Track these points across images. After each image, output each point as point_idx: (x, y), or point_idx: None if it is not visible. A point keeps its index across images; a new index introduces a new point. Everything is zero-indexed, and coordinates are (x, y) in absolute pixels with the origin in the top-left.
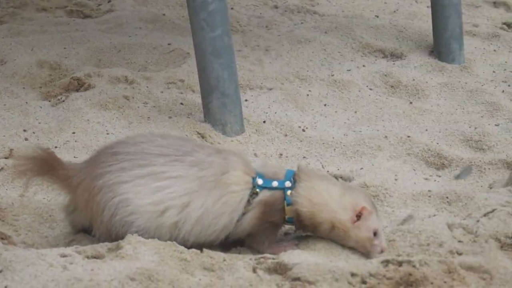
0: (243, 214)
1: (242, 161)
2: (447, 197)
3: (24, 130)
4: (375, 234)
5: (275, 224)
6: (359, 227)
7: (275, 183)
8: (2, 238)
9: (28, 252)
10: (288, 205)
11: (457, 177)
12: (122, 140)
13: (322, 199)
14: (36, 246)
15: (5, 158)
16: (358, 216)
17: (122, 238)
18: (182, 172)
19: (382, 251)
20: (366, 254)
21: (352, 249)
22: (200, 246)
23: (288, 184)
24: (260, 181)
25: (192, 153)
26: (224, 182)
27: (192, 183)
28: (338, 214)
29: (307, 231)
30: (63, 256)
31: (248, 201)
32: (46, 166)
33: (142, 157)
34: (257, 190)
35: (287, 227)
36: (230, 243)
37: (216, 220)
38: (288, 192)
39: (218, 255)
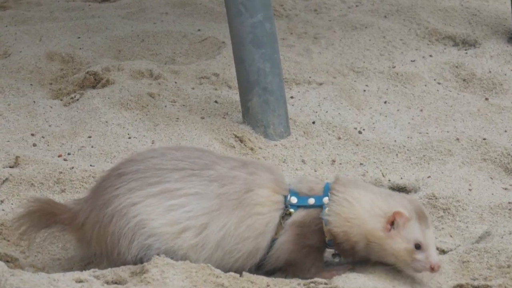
0: (275, 239)
1: (272, 176)
2: None
3: (32, 135)
4: (417, 247)
5: (316, 248)
6: (393, 237)
7: (311, 200)
8: (8, 261)
9: (38, 277)
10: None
11: None
12: (129, 158)
13: (352, 211)
14: (47, 270)
15: (10, 167)
16: (391, 223)
17: None
18: (200, 188)
19: (432, 269)
20: (411, 272)
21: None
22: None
23: (326, 200)
24: (294, 200)
25: (212, 166)
26: (248, 203)
27: (211, 201)
28: (367, 224)
29: (349, 256)
30: (79, 281)
31: (280, 223)
32: (47, 216)
33: (153, 174)
34: (291, 210)
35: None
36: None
37: (240, 246)
38: (326, 209)
39: (261, 280)
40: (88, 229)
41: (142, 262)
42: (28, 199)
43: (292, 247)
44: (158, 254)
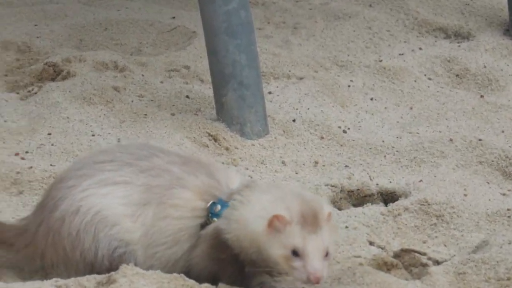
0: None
1: (205, 180)
2: None
3: None
4: (295, 253)
5: (230, 262)
6: (271, 242)
7: (217, 208)
8: None
9: None
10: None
11: None
12: (70, 165)
13: (241, 213)
14: (5, 279)
15: None
16: (270, 226)
17: (115, 264)
18: (129, 177)
19: (309, 280)
20: (299, 285)
21: None
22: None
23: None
24: (218, 208)
25: (149, 158)
26: (165, 201)
27: (137, 192)
28: (250, 225)
29: (259, 274)
30: None
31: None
32: None
33: (89, 168)
34: (214, 219)
35: None
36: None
37: (156, 251)
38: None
39: None
40: (40, 241)
41: (111, 259)
42: None
43: (206, 263)
44: (125, 247)
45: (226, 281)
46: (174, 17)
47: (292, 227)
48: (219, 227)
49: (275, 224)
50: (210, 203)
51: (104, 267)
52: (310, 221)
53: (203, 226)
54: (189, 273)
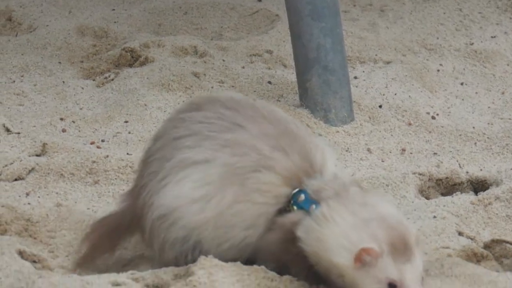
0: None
1: (298, 162)
2: None
3: (61, 119)
4: (392, 286)
5: (303, 258)
6: (363, 276)
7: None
8: (35, 261)
9: (69, 280)
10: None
11: None
12: (154, 135)
13: (323, 233)
14: (79, 271)
15: (37, 155)
16: (359, 260)
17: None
18: (209, 154)
19: None
20: None
21: None
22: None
23: (312, 208)
24: (301, 198)
25: (234, 129)
26: (248, 184)
27: (216, 170)
28: (334, 257)
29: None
30: (115, 284)
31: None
32: (110, 236)
33: (169, 147)
34: (294, 207)
35: None
36: None
37: (228, 234)
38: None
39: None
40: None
41: (187, 260)
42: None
43: (275, 250)
44: (195, 236)
45: (295, 273)
46: (259, 0)
47: (384, 259)
48: (295, 231)
49: (364, 258)
50: (295, 190)
51: (182, 262)
52: (402, 248)
53: (280, 211)
54: (255, 258)
